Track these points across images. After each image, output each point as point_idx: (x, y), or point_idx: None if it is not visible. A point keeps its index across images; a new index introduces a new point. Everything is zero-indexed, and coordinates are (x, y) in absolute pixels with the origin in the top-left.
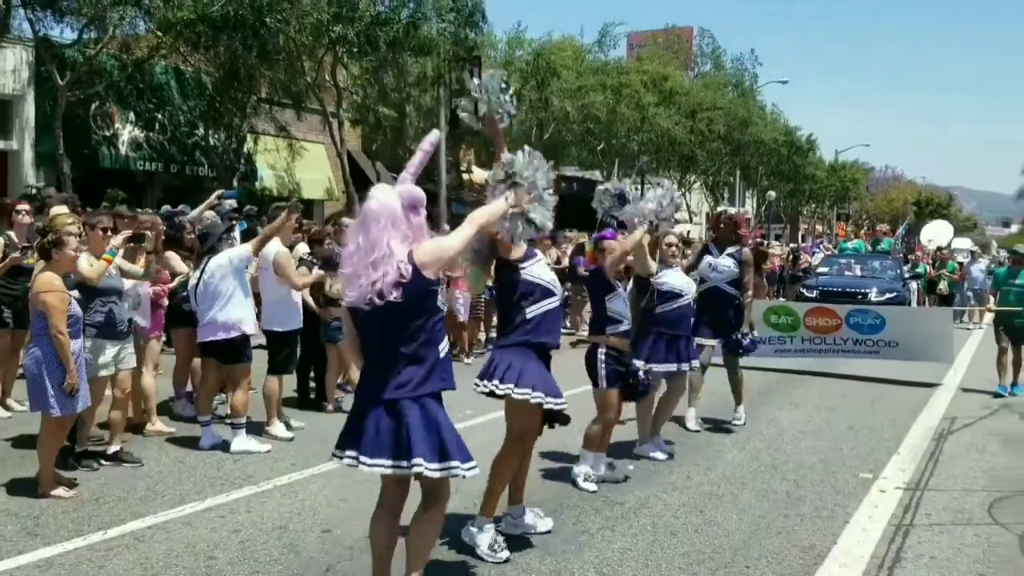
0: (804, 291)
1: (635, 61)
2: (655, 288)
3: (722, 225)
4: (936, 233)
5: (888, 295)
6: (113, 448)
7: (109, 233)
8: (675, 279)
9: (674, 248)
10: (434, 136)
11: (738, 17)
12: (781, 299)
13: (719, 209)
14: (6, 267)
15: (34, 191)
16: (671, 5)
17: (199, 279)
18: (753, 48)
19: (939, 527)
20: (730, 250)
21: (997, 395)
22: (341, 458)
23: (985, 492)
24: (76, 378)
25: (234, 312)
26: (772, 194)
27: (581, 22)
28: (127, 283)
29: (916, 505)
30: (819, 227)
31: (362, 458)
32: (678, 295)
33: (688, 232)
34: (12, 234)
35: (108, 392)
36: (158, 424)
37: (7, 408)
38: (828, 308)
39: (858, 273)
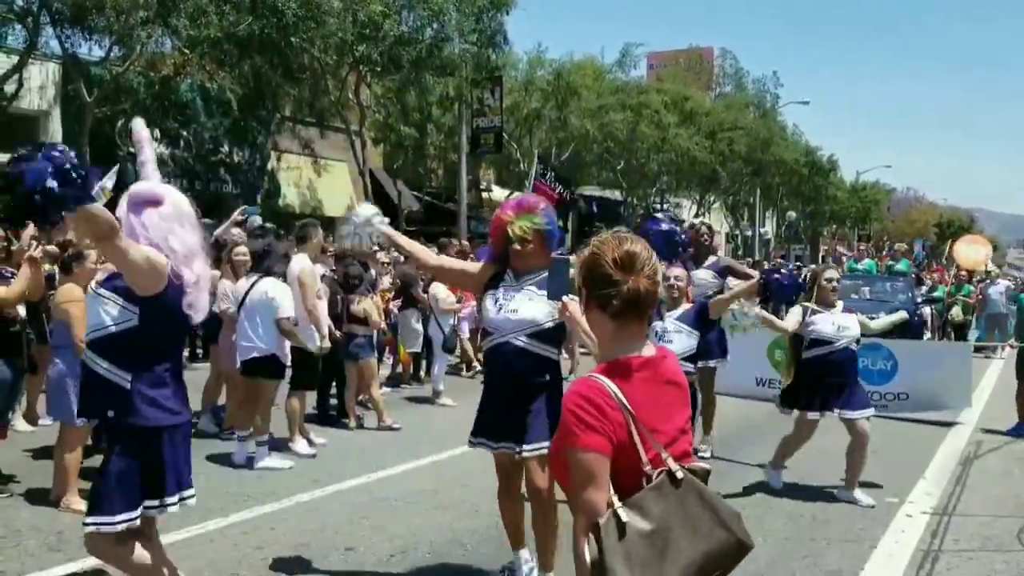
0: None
1: (655, 81)
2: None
3: (703, 237)
4: (973, 255)
5: None
6: None
7: None
8: (824, 325)
9: (834, 284)
10: (138, 124)
11: (761, 39)
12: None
13: (693, 221)
14: None
15: None
16: (692, 26)
17: (245, 296)
18: (775, 70)
19: (968, 553)
20: (708, 262)
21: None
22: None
23: (1012, 518)
24: None
25: (274, 331)
26: (792, 214)
27: (602, 43)
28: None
29: (944, 530)
30: (839, 248)
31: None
32: (827, 342)
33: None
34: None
35: None
36: None
37: (33, 422)
38: None
39: (866, 296)
